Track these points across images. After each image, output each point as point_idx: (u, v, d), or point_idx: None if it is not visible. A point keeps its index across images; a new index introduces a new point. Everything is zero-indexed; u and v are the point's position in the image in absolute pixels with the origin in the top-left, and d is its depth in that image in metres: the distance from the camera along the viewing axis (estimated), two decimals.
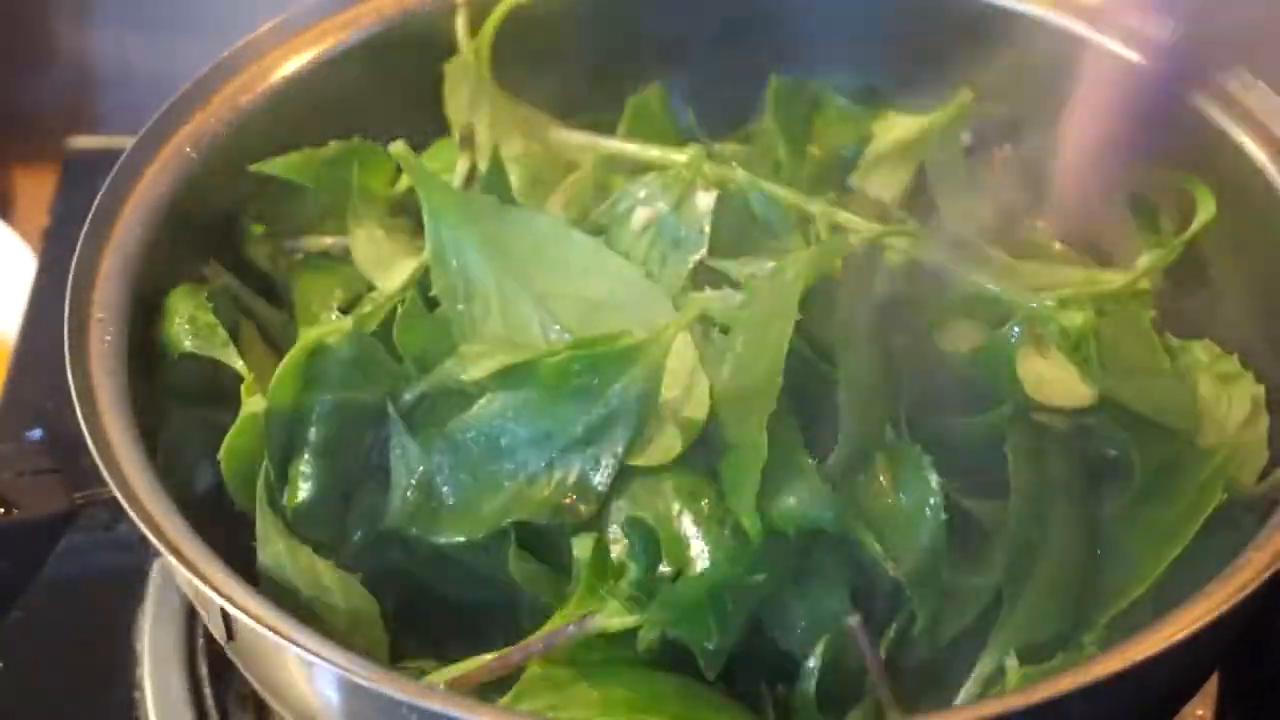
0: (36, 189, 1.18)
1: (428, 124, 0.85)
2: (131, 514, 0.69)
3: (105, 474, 0.70)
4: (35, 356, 1.03)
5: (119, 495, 0.70)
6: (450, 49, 0.89)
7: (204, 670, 0.88)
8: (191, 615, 0.90)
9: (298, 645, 0.65)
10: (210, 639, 0.88)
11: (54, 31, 1.21)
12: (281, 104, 0.85)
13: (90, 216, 0.78)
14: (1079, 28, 0.87)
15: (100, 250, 0.78)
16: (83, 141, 1.15)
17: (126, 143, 0.81)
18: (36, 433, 0.96)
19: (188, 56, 0.88)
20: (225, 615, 0.68)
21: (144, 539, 0.69)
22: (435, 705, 0.64)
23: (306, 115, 0.86)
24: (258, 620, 0.66)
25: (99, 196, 0.79)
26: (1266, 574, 0.66)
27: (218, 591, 0.67)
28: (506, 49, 0.89)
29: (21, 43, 1.21)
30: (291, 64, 0.86)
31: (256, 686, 0.75)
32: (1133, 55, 0.76)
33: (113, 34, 1.20)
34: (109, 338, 0.75)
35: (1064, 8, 0.88)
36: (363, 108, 0.88)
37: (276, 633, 0.66)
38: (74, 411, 0.72)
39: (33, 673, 0.89)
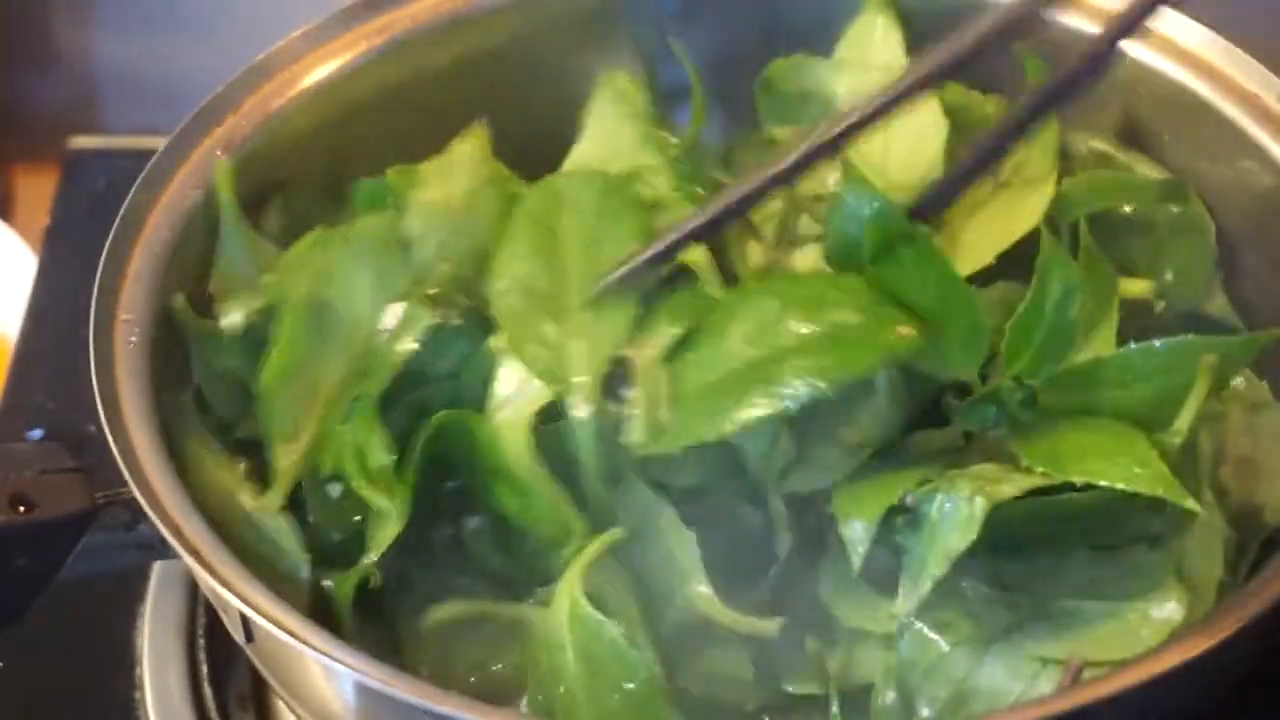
0: (36, 189, 1.17)
1: (459, 130, 0.85)
2: (152, 516, 0.70)
3: (127, 476, 0.70)
4: (36, 356, 1.03)
5: (140, 497, 0.70)
6: (482, 54, 0.90)
7: (204, 670, 0.88)
8: (192, 615, 0.90)
9: (314, 649, 0.66)
10: (211, 638, 0.88)
11: (54, 32, 1.20)
12: (313, 109, 0.85)
13: (119, 217, 0.78)
14: None
15: (128, 251, 0.78)
16: (83, 141, 1.15)
17: (127, 143, 0.82)
18: (37, 432, 0.96)
19: (189, 56, 0.89)
20: (244, 618, 0.68)
21: (162, 540, 0.70)
22: (448, 709, 0.65)
23: (338, 121, 0.86)
24: (276, 623, 0.67)
25: (128, 197, 0.79)
26: None
27: (237, 595, 0.68)
28: None
29: (21, 43, 1.20)
30: (323, 69, 0.86)
31: (275, 686, 0.76)
32: None
33: (113, 34, 1.20)
34: (134, 339, 0.75)
35: None
36: (394, 114, 0.88)
37: (294, 636, 0.66)
38: (75, 410, 0.72)
39: (32, 672, 0.89)
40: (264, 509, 0.75)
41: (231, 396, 0.79)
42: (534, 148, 0.84)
